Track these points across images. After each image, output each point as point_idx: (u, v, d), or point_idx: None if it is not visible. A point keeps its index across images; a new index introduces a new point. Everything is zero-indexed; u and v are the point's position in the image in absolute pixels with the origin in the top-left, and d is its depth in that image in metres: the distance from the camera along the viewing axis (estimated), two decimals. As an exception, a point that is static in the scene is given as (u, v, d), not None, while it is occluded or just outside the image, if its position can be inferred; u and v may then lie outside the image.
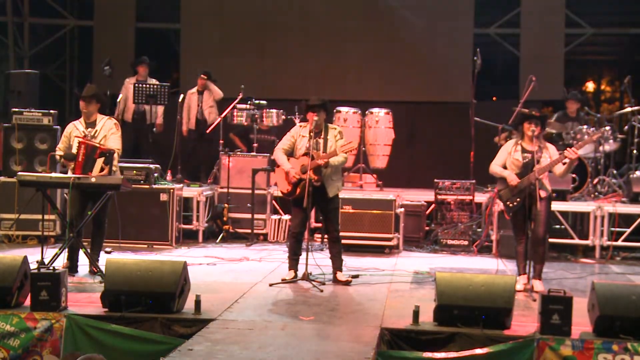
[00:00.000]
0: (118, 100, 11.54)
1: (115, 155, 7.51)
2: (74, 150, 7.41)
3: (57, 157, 7.70)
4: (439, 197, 10.28)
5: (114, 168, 7.44)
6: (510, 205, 7.27)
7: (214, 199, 10.76)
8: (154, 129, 11.36)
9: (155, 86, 10.89)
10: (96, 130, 7.61)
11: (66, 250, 7.48)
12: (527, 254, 7.28)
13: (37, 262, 6.85)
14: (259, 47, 13.52)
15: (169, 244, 9.61)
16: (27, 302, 6.02)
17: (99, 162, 7.29)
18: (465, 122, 11.30)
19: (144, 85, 10.91)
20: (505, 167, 7.38)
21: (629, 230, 9.68)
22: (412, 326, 5.84)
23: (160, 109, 11.47)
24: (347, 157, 7.56)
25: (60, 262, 7.36)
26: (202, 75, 11.48)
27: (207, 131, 11.15)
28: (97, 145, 7.39)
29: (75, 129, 7.65)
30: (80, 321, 5.79)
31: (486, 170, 7.61)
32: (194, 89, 11.65)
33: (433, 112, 13.43)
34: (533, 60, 13.10)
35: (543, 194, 7.18)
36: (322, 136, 7.48)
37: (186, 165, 11.37)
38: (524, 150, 7.30)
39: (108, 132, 7.61)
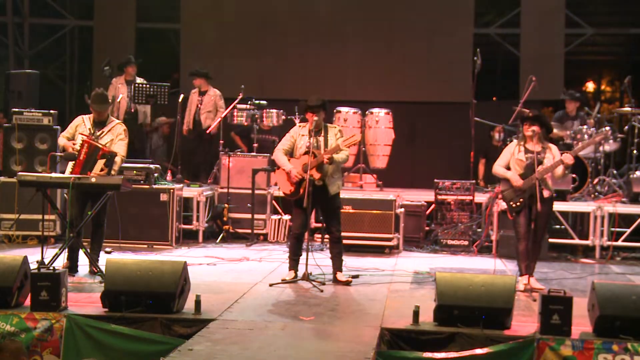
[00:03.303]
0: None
1: (119, 159, 7.50)
2: (77, 146, 7.41)
3: (58, 157, 7.70)
4: (439, 197, 10.27)
5: (112, 172, 7.43)
6: (514, 205, 7.28)
7: (214, 199, 10.75)
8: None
9: (155, 86, 10.88)
10: (103, 132, 7.59)
11: (66, 250, 7.47)
12: (528, 254, 7.29)
13: (37, 262, 6.84)
14: (259, 47, 13.52)
15: (169, 244, 9.61)
16: (27, 302, 6.01)
17: (100, 163, 7.27)
18: (465, 122, 11.30)
19: (145, 86, 10.90)
20: (508, 168, 7.39)
21: (629, 231, 9.68)
22: (412, 326, 5.84)
23: (149, 110, 11.40)
24: (349, 155, 7.56)
25: (60, 262, 7.36)
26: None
27: (207, 131, 11.14)
28: (101, 146, 7.36)
29: (83, 125, 7.64)
30: (80, 321, 5.78)
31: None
32: (196, 89, 11.65)
33: (433, 112, 13.42)
34: (533, 60, 13.09)
35: (546, 194, 7.21)
36: (322, 135, 7.47)
37: (186, 165, 11.36)
38: (527, 151, 7.32)
39: (116, 137, 7.60)
